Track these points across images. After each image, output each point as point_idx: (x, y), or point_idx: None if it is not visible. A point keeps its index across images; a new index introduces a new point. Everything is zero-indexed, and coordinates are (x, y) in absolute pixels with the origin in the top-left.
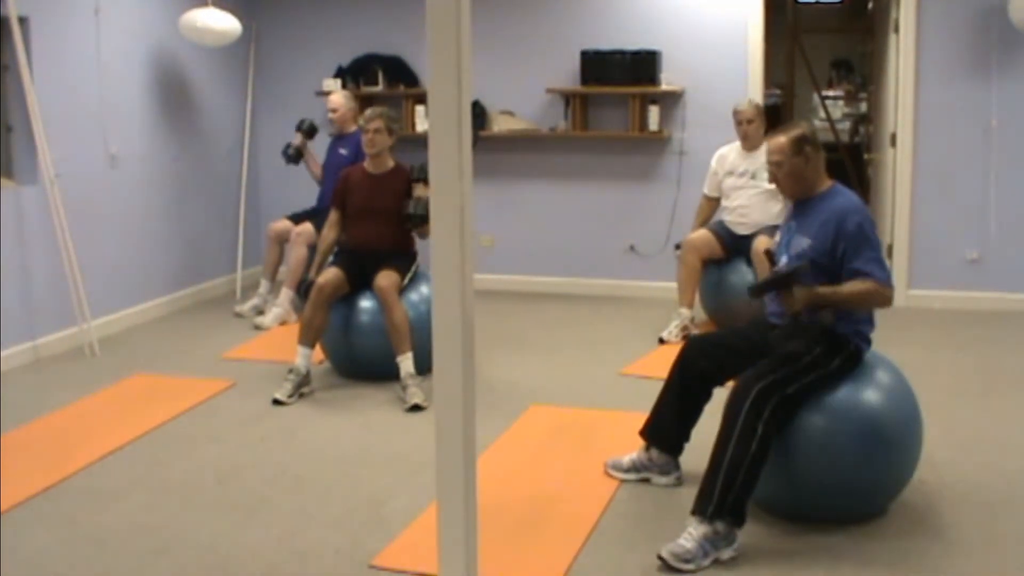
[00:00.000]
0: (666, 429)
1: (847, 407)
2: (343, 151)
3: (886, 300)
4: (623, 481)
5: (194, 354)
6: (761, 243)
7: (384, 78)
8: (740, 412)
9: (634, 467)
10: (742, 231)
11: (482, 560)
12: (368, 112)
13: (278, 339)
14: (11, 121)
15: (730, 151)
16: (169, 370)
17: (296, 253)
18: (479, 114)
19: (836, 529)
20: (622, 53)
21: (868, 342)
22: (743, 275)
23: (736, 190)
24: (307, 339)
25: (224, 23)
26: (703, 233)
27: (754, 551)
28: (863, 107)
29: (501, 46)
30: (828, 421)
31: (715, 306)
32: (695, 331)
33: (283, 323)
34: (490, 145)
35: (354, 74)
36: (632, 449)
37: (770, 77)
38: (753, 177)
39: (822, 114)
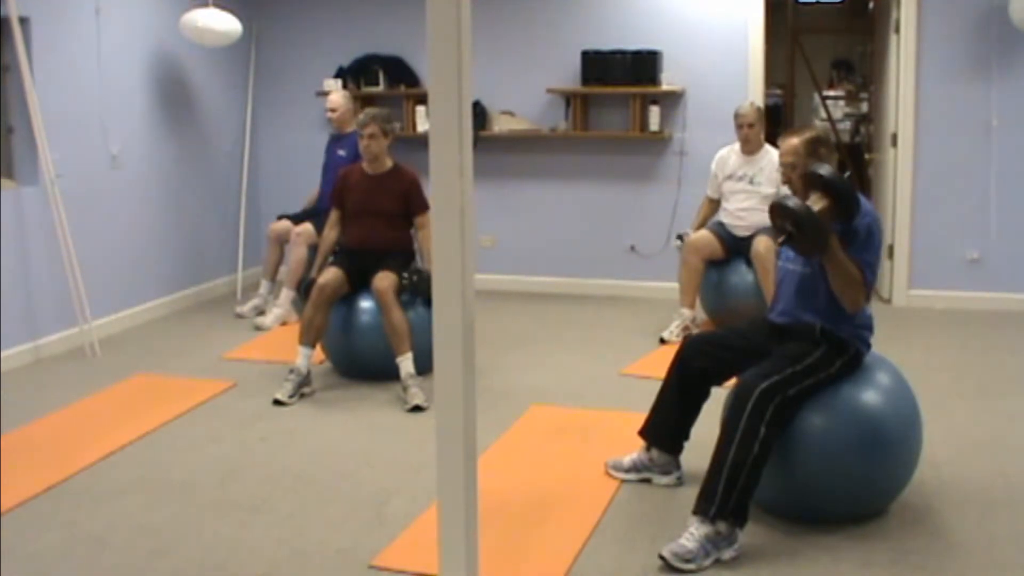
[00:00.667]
0: (666, 429)
1: (847, 408)
2: (341, 152)
3: (857, 301)
4: (624, 481)
5: (195, 354)
6: (761, 243)
7: (385, 78)
8: (743, 413)
9: (634, 467)
10: (741, 233)
11: (482, 560)
12: (361, 117)
13: (279, 339)
14: (12, 122)
15: (730, 154)
16: (170, 370)
17: (296, 253)
18: (480, 114)
19: (836, 529)
20: (623, 53)
21: (868, 345)
22: (743, 276)
23: (735, 193)
24: (308, 339)
25: (225, 23)
26: (704, 234)
27: (755, 551)
28: (864, 107)
29: (502, 46)
30: (828, 422)
31: (716, 306)
32: (696, 331)
33: (284, 323)
34: (491, 145)
35: (355, 74)
36: (633, 449)
37: (771, 77)
38: (751, 182)
39: (823, 114)
